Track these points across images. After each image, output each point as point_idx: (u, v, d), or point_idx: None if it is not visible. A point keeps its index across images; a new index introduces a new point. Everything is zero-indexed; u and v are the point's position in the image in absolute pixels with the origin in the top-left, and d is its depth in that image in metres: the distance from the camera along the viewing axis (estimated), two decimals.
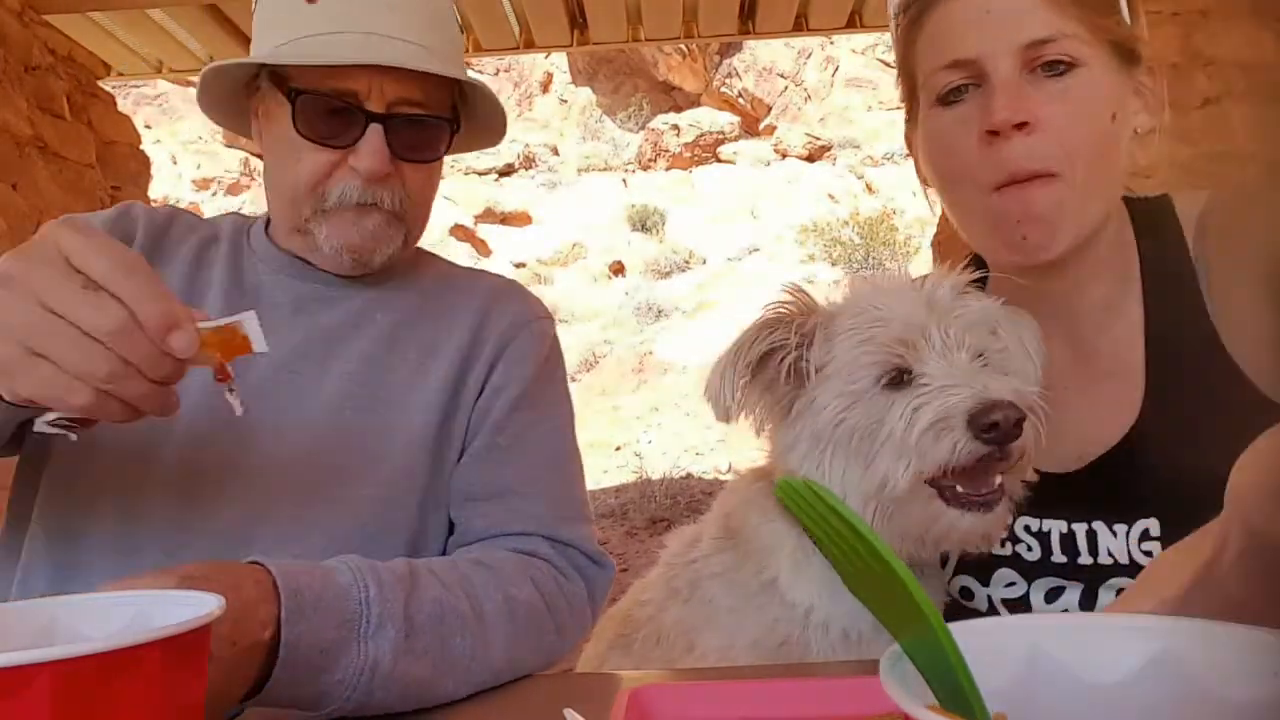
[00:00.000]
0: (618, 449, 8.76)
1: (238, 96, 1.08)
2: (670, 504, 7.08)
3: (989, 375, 0.85)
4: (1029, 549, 1.01)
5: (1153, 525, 0.93)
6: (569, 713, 0.70)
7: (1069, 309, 1.01)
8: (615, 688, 0.72)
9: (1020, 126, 0.90)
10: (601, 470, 8.09)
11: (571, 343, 12.04)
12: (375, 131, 0.98)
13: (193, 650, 0.52)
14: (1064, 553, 0.99)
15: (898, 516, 0.87)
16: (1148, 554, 0.93)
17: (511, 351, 1.09)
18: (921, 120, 1.01)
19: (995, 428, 0.80)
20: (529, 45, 4.66)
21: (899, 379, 0.87)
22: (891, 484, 0.84)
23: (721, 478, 7.63)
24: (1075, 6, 0.91)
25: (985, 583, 1.03)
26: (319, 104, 0.98)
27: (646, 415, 9.47)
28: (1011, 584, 1.02)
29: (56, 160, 3.69)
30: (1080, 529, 0.98)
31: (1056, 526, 1.00)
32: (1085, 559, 0.98)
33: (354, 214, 1.01)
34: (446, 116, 1.05)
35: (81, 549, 0.94)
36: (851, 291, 0.95)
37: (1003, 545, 1.02)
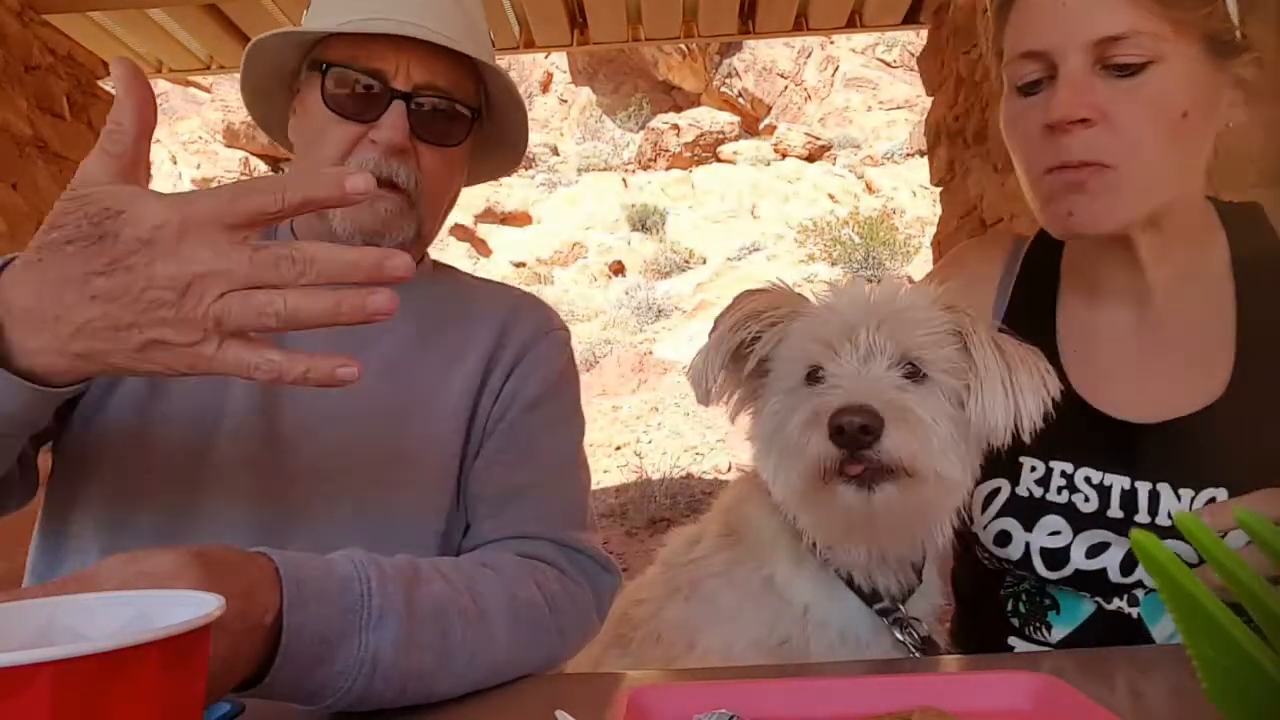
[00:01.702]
0: (618, 449, 8.76)
1: (281, 90, 1.12)
2: (670, 504, 7.08)
3: (882, 382, 0.85)
4: (1086, 499, 1.01)
5: (1220, 495, 0.93)
6: (560, 714, 0.69)
7: (1137, 285, 1.04)
8: (607, 689, 0.72)
9: (1081, 121, 0.92)
10: (602, 470, 8.09)
11: (571, 343, 12.05)
12: (397, 106, 1.01)
13: (193, 650, 0.52)
14: (1121, 508, 1.00)
15: (809, 511, 0.89)
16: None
17: (530, 358, 1.12)
18: (1002, 105, 1.03)
19: (841, 431, 0.80)
20: (529, 45, 4.66)
21: (816, 377, 0.89)
22: (793, 484, 0.86)
23: (722, 478, 7.63)
24: (1157, 2, 0.90)
25: (1029, 528, 1.03)
26: (347, 78, 1.02)
27: (646, 415, 9.47)
28: (1056, 533, 1.02)
29: (56, 160, 3.69)
30: (1144, 487, 0.99)
31: (1119, 482, 1.01)
32: (1143, 517, 0.98)
33: (368, 199, 1.01)
34: (468, 104, 1.07)
35: (129, 539, 0.95)
36: (827, 290, 0.96)
37: (1059, 493, 1.03)
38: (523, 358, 1.12)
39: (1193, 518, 0.36)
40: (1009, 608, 1.09)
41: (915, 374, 0.88)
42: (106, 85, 4.29)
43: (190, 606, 0.54)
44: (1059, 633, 1.05)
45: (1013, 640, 1.09)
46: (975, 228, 3.86)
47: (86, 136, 3.96)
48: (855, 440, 0.79)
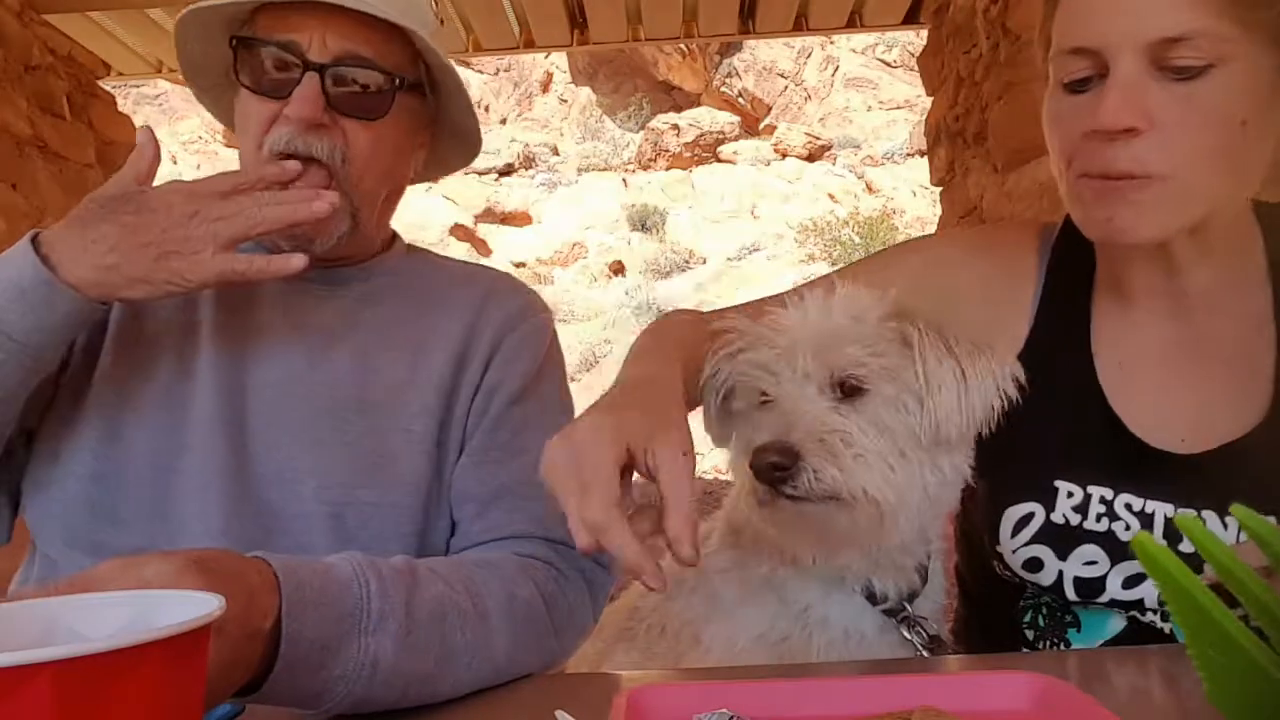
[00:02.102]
0: None
1: (226, 80, 1.06)
2: None
3: (809, 412, 0.85)
4: (1127, 528, 0.95)
5: (1271, 522, 0.89)
6: (560, 714, 0.69)
7: (1175, 287, 0.97)
8: (607, 689, 0.71)
9: (1129, 130, 0.85)
10: None
11: (571, 343, 12.04)
12: (309, 79, 0.95)
13: (193, 650, 0.52)
14: (1165, 537, 0.92)
15: (774, 530, 0.90)
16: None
17: (507, 348, 1.07)
18: (1046, 98, 0.96)
19: (756, 469, 0.82)
20: (529, 45, 4.67)
21: (764, 403, 0.90)
22: (743, 508, 0.88)
23: (722, 477, 7.62)
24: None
25: (1063, 556, 0.98)
26: (259, 51, 0.97)
27: None
28: (1092, 562, 0.97)
29: (56, 160, 3.69)
30: (1187, 515, 0.93)
31: (1161, 509, 0.95)
32: (1186, 546, 0.88)
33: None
34: (391, 73, 0.99)
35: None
36: (779, 312, 0.94)
37: (1098, 520, 0.97)
38: (499, 348, 1.07)
39: (1195, 520, 0.36)
40: (1026, 619, 1.05)
41: (855, 390, 0.87)
42: (106, 85, 4.29)
43: (190, 606, 0.54)
44: (1077, 649, 1.01)
45: (1025, 652, 1.05)
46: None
47: (86, 136, 3.96)
48: (770, 478, 0.82)
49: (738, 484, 1.06)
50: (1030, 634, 1.05)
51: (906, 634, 0.93)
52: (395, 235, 1.17)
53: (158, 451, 0.97)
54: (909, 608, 0.95)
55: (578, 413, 0.83)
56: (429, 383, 1.03)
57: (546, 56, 18.83)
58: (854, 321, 0.89)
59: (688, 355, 0.92)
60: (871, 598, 0.94)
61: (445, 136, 1.16)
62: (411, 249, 1.18)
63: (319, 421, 0.99)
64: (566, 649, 0.98)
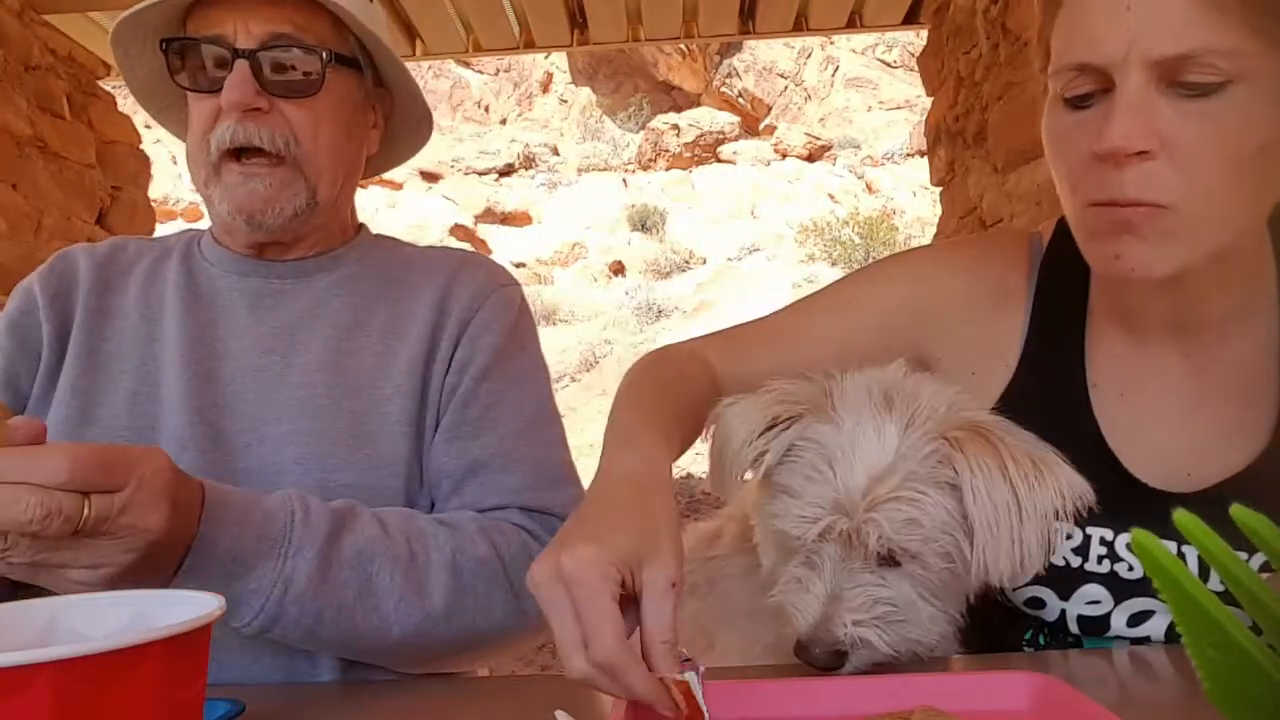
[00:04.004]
0: None
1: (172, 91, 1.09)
2: None
3: (851, 594, 0.79)
4: (1130, 568, 0.92)
5: None
6: (560, 714, 0.69)
7: (1185, 318, 0.92)
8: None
9: (1140, 154, 0.77)
10: None
11: (571, 343, 12.04)
12: (239, 65, 0.97)
13: (193, 650, 0.52)
14: None
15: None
16: (1265, 569, 0.85)
17: (476, 324, 1.07)
18: (1046, 111, 0.88)
19: (805, 660, 0.79)
20: (529, 45, 4.67)
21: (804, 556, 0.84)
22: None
23: None
24: (1243, 6, 0.73)
25: (1065, 596, 0.95)
26: (186, 49, 1.00)
27: None
28: (1095, 602, 0.94)
29: (56, 160, 3.69)
30: (1191, 553, 0.88)
31: (1165, 547, 0.92)
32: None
33: (241, 175, 1.01)
34: (318, 48, 1.01)
35: None
36: (826, 423, 0.83)
37: (1099, 562, 0.94)
38: (469, 323, 1.07)
39: (1192, 518, 0.35)
40: (1027, 637, 1.03)
41: (898, 559, 0.81)
42: (106, 85, 4.29)
43: (190, 606, 0.54)
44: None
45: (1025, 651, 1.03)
46: (975, 228, 3.86)
47: (86, 136, 3.96)
48: (827, 668, 0.79)
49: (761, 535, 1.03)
50: (1031, 650, 1.03)
51: None
52: (362, 226, 1.19)
53: (135, 438, 0.97)
54: None
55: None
56: (402, 364, 1.04)
57: (546, 56, 18.84)
58: (913, 474, 0.80)
59: (680, 408, 0.89)
60: None
61: (398, 118, 1.18)
62: (379, 239, 1.20)
63: (295, 412, 1.00)
64: (529, 611, 0.95)
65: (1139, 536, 0.37)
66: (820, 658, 0.77)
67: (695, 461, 8.29)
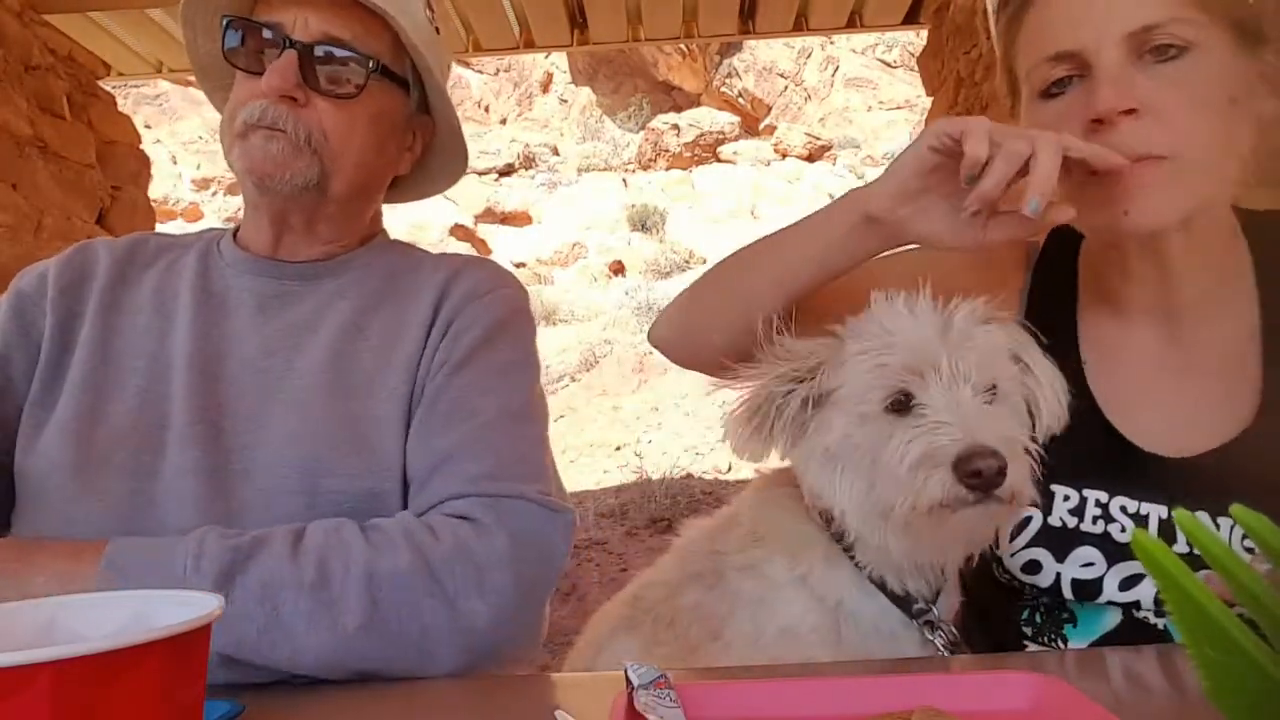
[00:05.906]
0: (618, 449, 8.75)
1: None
2: (670, 504, 7.07)
3: (986, 415, 0.85)
4: (1122, 529, 0.98)
5: None
6: (560, 714, 0.69)
7: (1167, 300, 1.00)
8: (608, 689, 0.71)
9: (1128, 113, 0.87)
10: (602, 470, 8.08)
11: (571, 343, 12.04)
12: (288, 54, 1.01)
13: (193, 650, 0.52)
14: (1160, 537, 0.94)
15: (906, 534, 0.87)
16: (1249, 551, 0.90)
17: (459, 323, 1.07)
18: (1023, 115, 0.98)
19: (979, 474, 0.80)
20: (529, 45, 4.67)
21: (903, 404, 0.87)
22: (894, 513, 0.85)
23: (722, 477, 7.63)
24: None
25: (1060, 558, 1.00)
26: (243, 30, 1.03)
27: (646, 415, 9.47)
28: (1089, 564, 0.99)
29: (56, 160, 3.69)
30: (1206, 518, 0.93)
31: (1156, 511, 0.97)
32: (1181, 547, 0.93)
33: (261, 138, 1.02)
34: (368, 55, 1.04)
35: None
36: (868, 313, 0.94)
37: (1094, 523, 0.99)
38: (451, 324, 1.07)
39: (1192, 517, 0.36)
40: (1023, 616, 1.06)
41: (993, 398, 0.88)
42: (106, 85, 4.29)
43: (190, 606, 0.54)
44: (1074, 645, 1.02)
45: (1025, 650, 1.06)
46: None
47: (86, 136, 3.96)
48: (991, 483, 0.80)
49: (762, 480, 1.05)
50: (1029, 630, 1.06)
51: (929, 636, 0.93)
52: (380, 233, 1.20)
53: (137, 453, 0.98)
54: (935, 610, 0.95)
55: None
56: (399, 367, 1.04)
57: (546, 56, 18.84)
58: (982, 326, 0.90)
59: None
60: (904, 597, 0.95)
61: (435, 149, 1.20)
62: (392, 242, 1.20)
63: (293, 415, 1.00)
64: (478, 609, 0.90)
65: (1138, 536, 0.37)
66: (991, 467, 0.80)
67: (695, 461, 8.30)
